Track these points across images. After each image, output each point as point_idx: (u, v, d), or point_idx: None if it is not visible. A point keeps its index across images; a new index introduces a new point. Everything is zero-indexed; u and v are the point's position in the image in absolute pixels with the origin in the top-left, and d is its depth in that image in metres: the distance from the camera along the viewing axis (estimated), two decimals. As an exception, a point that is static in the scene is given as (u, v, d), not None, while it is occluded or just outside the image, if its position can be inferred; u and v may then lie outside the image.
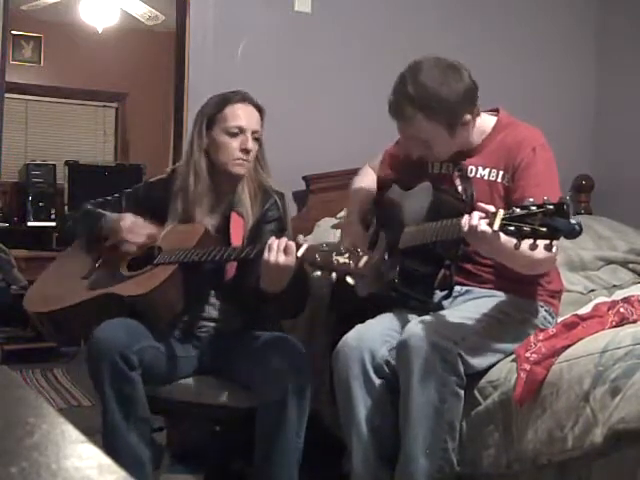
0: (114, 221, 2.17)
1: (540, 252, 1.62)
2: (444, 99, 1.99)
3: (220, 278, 2.13)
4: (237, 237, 2.13)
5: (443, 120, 2.01)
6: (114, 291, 2.04)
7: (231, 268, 2.10)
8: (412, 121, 2.02)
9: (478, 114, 2.10)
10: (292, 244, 1.83)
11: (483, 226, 1.69)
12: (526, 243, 1.62)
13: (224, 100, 2.16)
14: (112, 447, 1.90)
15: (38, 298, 2.21)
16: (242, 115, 2.13)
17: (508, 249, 1.69)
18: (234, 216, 2.16)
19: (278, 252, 1.83)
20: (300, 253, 1.80)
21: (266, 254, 1.85)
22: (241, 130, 2.13)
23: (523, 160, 2.05)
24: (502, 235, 1.67)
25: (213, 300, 2.19)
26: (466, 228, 1.74)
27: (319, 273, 1.79)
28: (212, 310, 2.20)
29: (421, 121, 2.01)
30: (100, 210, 2.25)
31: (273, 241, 1.86)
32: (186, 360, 2.14)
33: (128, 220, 2.16)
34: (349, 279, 1.72)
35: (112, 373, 1.89)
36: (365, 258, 1.72)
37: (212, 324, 2.20)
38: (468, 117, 2.06)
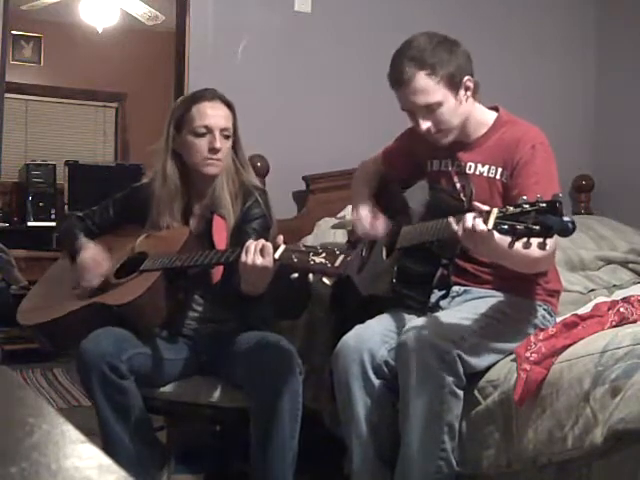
0: (78, 258, 2.15)
1: (536, 251, 1.62)
2: (440, 55, 2.00)
3: (207, 281, 2.10)
4: (220, 239, 2.11)
5: (445, 77, 2.00)
6: (100, 300, 2.04)
7: (217, 271, 2.07)
8: (414, 82, 1.99)
9: (477, 89, 2.09)
10: (269, 245, 1.79)
11: (478, 226, 1.69)
12: (521, 242, 1.61)
13: (190, 100, 2.15)
14: (113, 455, 1.89)
15: (30, 310, 2.21)
16: (209, 114, 2.10)
17: (503, 248, 1.68)
18: (216, 218, 2.14)
19: (255, 254, 1.79)
20: (277, 255, 1.76)
21: (243, 256, 1.81)
22: (208, 129, 2.09)
23: (522, 158, 2.05)
24: (497, 235, 1.66)
25: (201, 301, 2.19)
26: (460, 232, 1.74)
27: (296, 275, 1.70)
28: (200, 309, 2.19)
29: (424, 80, 1.99)
30: (76, 230, 2.24)
31: (250, 243, 1.82)
32: (177, 362, 2.14)
33: (86, 255, 2.13)
34: (325, 280, 1.66)
35: (103, 384, 1.89)
36: (342, 257, 1.65)
37: (203, 324, 2.19)
38: (468, 80, 2.04)
